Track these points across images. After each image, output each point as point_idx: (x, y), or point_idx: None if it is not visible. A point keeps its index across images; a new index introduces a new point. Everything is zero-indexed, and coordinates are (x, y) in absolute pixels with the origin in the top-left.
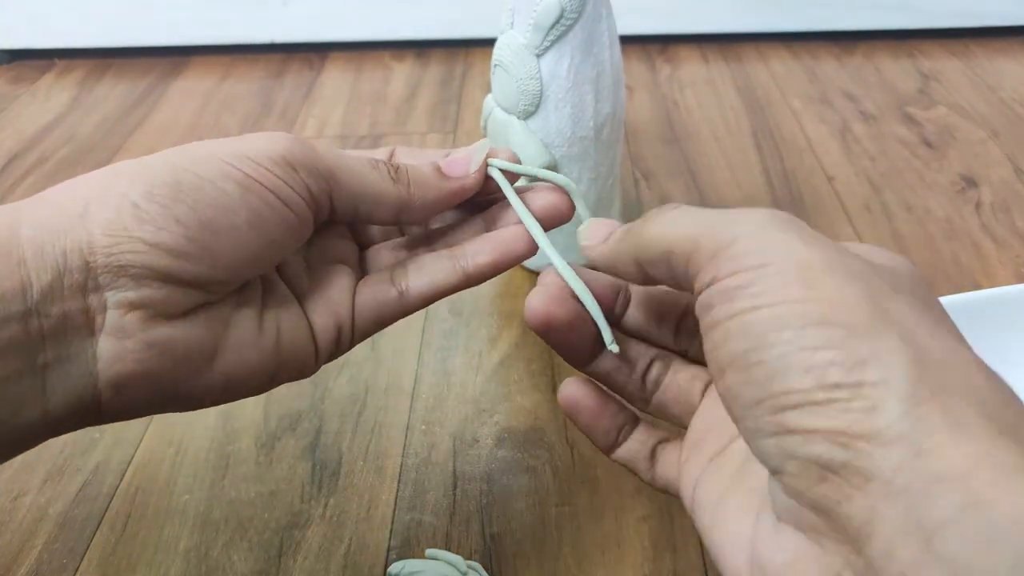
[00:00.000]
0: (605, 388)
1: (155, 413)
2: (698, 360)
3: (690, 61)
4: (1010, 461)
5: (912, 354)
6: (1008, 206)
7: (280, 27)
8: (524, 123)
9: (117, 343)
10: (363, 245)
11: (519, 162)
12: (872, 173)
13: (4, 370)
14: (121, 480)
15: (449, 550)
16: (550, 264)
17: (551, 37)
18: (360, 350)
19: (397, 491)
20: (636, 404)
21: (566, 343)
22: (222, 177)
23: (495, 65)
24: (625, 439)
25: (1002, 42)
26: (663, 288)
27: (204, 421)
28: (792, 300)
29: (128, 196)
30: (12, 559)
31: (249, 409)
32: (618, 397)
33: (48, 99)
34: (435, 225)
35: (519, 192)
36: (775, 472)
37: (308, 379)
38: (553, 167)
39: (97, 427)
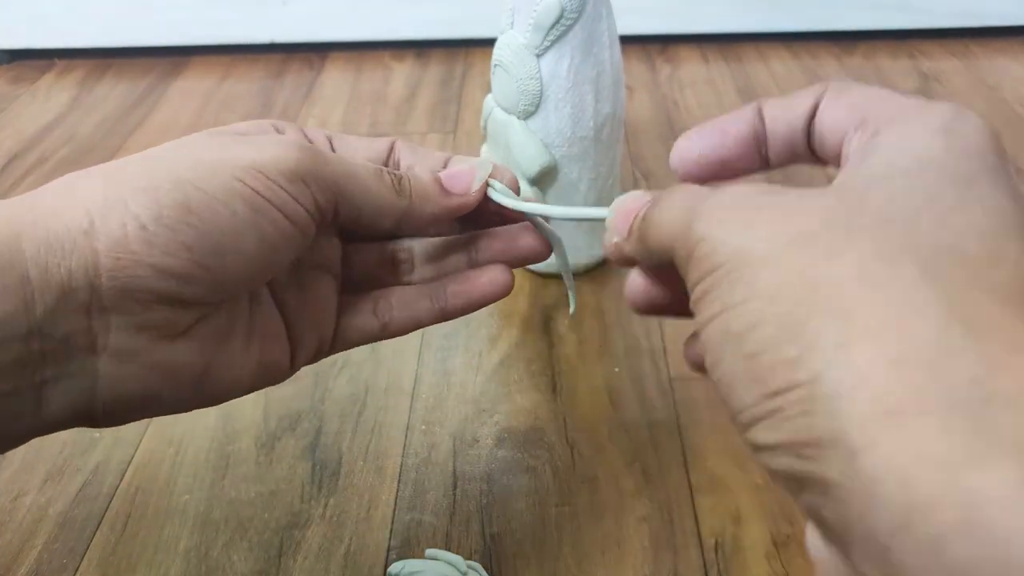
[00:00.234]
0: None
1: (144, 419)
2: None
3: (690, 61)
4: (952, 449)
5: (846, 332)
6: None
7: (280, 27)
8: (524, 123)
9: (120, 364)
10: (346, 240)
11: (518, 189)
12: None
13: (2, 388)
14: (121, 480)
15: (449, 550)
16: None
17: (551, 37)
18: (360, 350)
19: (397, 491)
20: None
21: None
22: (231, 196)
23: (495, 65)
24: None
25: (1002, 42)
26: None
27: (204, 421)
28: (735, 304)
29: (135, 215)
30: (12, 559)
31: (249, 409)
32: None
33: (48, 99)
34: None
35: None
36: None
37: (308, 379)
38: (553, 167)
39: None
